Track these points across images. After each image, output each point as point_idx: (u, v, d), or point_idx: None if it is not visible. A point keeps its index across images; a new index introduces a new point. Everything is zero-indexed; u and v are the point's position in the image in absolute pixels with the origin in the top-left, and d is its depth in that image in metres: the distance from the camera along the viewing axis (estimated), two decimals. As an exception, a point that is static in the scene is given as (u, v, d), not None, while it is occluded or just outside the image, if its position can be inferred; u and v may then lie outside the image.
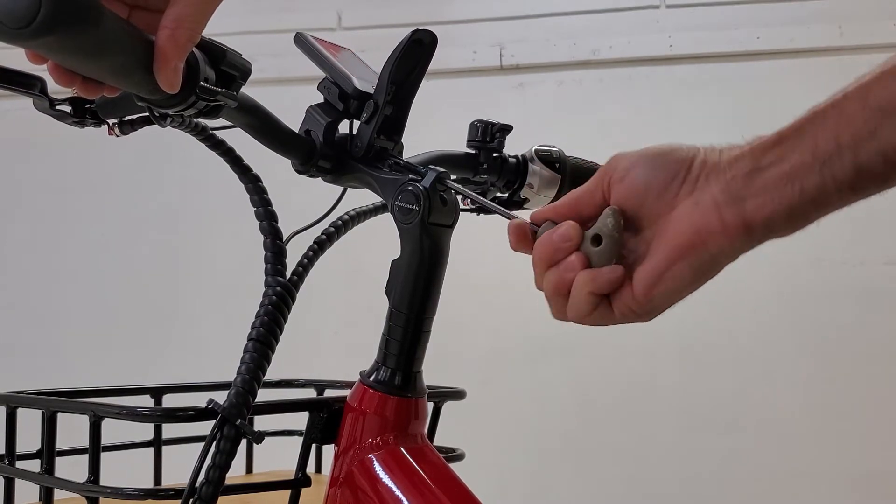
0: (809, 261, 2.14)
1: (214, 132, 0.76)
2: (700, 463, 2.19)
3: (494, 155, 0.92)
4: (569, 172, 0.94)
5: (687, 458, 2.19)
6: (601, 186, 0.62)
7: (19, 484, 0.85)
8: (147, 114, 0.70)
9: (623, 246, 0.61)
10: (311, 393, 1.12)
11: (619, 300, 0.61)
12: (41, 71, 0.59)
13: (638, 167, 0.60)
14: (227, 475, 0.71)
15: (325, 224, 0.84)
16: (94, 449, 0.75)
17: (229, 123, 0.74)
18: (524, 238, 0.65)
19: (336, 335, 2.30)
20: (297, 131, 0.77)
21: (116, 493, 0.71)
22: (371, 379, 0.74)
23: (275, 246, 0.77)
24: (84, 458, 0.76)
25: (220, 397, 0.72)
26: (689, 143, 0.60)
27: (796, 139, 0.55)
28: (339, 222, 0.84)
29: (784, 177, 0.55)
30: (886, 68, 0.53)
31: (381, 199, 0.78)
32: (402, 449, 0.73)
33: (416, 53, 0.76)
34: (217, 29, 0.59)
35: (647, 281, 0.59)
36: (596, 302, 0.61)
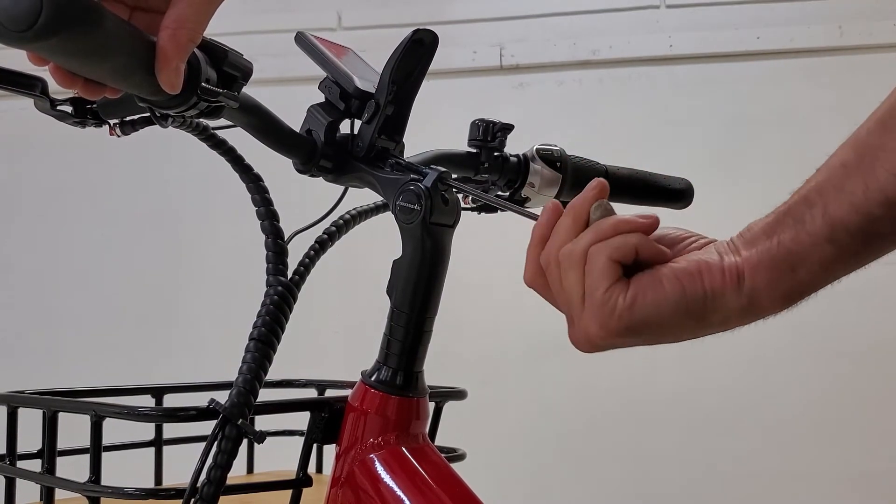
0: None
1: (216, 132, 0.76)
2: (700, 463, 2.19)
3: (495, 154, 0.92)
4: (570, 172, 0.94)
5: (687, 459, 2.19)
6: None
7: (20, 484, 0.85)
8: (148, 114, 0.70)
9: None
10: (312, 393, 1.12)
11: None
12: (42, 71, 0.59)
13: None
14: (229, 475, 0.71)
15: (326, 223, 0.84)
16: (96, 449, 0.75)
17: (230, 123, 0.74)
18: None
19: (337, 335, 2.30)
20: (298, 131, 0.77)
21: (118, 492, 0.71)
22: (372, 379, 0.74)
23: (276, 245, 0.77)
24: (85, 458, 0.76)
25: (222, 397, 0.72)
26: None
27: (779, 207, 0.58)
28: (341, 222, 0.84)
29: (763, 231, 0.58)
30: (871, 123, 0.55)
31: (381, 199, 0.78)
32: (403, 449, 0.73)
33: (417, 53, 0.76)
34: (217, 29, 0.59)
35: (641, 285, 0.59)
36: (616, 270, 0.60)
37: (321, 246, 0.82)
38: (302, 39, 0.81)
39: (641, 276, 0.60)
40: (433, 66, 0.77)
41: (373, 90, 0.77)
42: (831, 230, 0.55)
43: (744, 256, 0.58)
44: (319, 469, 1.09)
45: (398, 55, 0.75)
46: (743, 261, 0.58)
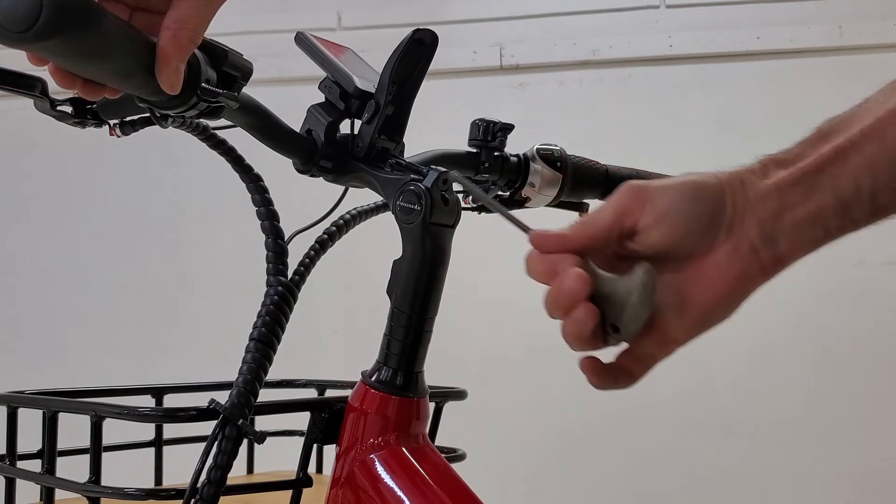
0: (809, 261, 2.14)
1: (216, 132, 0.76)
2: (700, 463, 2.19)
3: (496, 154, 0.92)
4: (570, 172, 0.95)
5: (687, 459, 2.19)
6: (620, 221, 0.58)
7: (20, 484, 0.85)
8: (148, 114, 0.70)
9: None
10: (312, 393, 1.12)
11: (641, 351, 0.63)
12: (42, 71, 0.59)
13: (675, 207, 0.57)
14: (229, 475, 0.71)
15: (326, 223, 0.84)
16: (96, 449, 0.75)
17: (230, 123, 0.74)
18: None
19: (337, 335, 2.30)
20: (298, 131, 0.77)
21: (118, 493, 0.71)
22: (373, 379, 0.74)
23: (276, 245, 0.77)
24: (85, 459, 0.76)
25: (222, 397, 0.72)
26: (710, 173, 0.59)
27: (818, 177, 0.56)
28: (341, 221, 0.84)
29: (809, 219, 0.57)
30: None
31: (382, 199, 0.78)
32: (403, 449, 0.73)
33: (417, 53, 0.76)
34: (217, 29, 0.59)
35: (687, 328, 0.61)
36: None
37: (321, 246, 0.82)
38: (302, 39, 0.81)
39: (682, 318, 0.61)
40: (433, 66, 0.77)
41: (373, 90, 0.77)
42: (872, 217, 0.56)
43: (785, 248, 0.57)
44: (319, 469, 1.09)
45: (398, 55, 0.75)
46: (786, 252, 0.58)
